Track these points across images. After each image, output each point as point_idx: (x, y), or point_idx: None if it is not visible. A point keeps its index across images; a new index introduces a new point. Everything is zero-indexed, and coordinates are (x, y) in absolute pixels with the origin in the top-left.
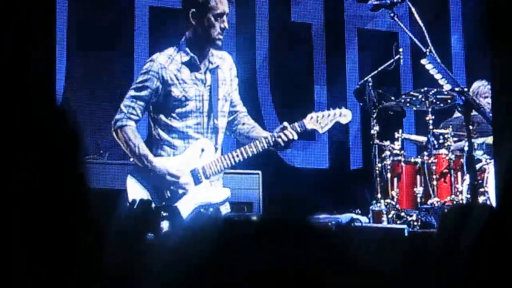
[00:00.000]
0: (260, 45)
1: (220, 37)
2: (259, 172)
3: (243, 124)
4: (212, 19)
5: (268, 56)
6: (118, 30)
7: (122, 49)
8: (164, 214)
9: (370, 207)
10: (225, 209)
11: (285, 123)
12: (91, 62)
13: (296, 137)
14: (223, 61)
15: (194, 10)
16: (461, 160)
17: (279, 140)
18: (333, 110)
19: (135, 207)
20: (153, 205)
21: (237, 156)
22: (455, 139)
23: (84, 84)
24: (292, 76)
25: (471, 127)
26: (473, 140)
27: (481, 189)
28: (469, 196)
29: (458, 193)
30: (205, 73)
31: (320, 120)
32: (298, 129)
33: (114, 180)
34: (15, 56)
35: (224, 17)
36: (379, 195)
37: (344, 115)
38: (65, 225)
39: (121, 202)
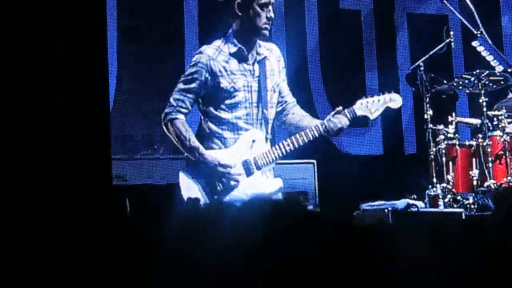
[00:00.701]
0: (310, 33)
1: (267, 26)
2: (314, 161)
3: (293, 113)
4: (258, 8)
5: (319, 44)
6: (168, 24)
7: (173, 43)
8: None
9: (426, 192)
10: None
11: (339, 108)
12: (142, 57)
13: (348, 122)
14: (271, 52)
15: (239, 0)
16: None
17: (331, 125)
18: (382, 96)
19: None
20: (201, 202)
21: (288, 145)
22: (509, 120)
23: (136, 79)
24: (343, 63)
25: None
26: None
27: None
28: None
29: None
30: (253, 64)
31: (370, 106)
32: (349, 116)
33: (169, 174)
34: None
35: (270, 7)
36: (434, 180)
37: (394, 100)
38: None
39: (174, 197)
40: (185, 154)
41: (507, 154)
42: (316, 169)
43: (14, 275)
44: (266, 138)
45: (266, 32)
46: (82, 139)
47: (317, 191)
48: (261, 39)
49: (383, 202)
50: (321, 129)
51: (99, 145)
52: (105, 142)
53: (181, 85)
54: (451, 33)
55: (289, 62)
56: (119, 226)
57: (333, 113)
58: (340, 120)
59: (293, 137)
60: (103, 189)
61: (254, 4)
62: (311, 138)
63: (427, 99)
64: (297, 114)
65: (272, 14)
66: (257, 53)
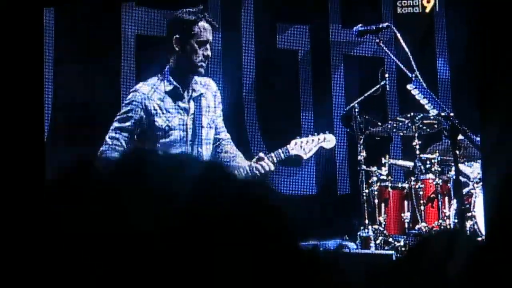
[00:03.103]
0: (247, 71)
1: (203, 64)
2: None
3: (225, 152)
4: (196, 46)
5: (255, 83)
6: (105, 59)
7: (109, 78)
8: None
9: (358, 233)
10: None
11: (261, 154)
12: (79, 92)
13: (272, 168)
14: (207, 88)
15: (177, 36)
16: (448, 185)
17: (256, 172)
18: (317, 136)
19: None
20: None
21: None
22: (443, 164)
23: (71, 111)
24: (279, 102)
25: (457, 151)
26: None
27: (469, 214)
28: (456, 221)
29: (445, 217)
30: (188, 101)
31: (304, 146)
32: (282, 156)
33: None
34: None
35: (208, 45)
36: (366, 221)
37: (328, 140)
38: None
39: None
40: None
41: (439, 197)
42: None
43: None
44: None
45: (202, 70)
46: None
47: None
48: (197, 75)
49: (315, 242)
50: (248, 171)
51: (35, 178)
52: (40, 176)
53: (116, 124)
54: (386, 75)
55: (224, 99)
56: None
57: (255, 158)
58: (266, 164)
59: None
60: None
61: (192, 41)
62: None
63: (361, 141)
64: (229, 153)
65: (209, 53)
66: (193, 90)
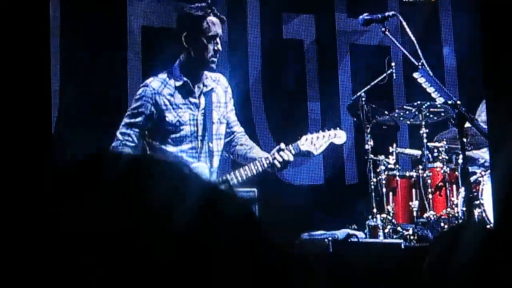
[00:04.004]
0: (253, 63)
1: (214, 59)
2: (255, 189)
3: (241, 145)
4: (205, 41)
5: (261, 74)
6: (110, 52)
7: (116, 72)
8: None
9: (366, 222)
10: None
11: (282, 145)
12: (84, 86)
13: (292, 159)
14: (218, 83)
15: (186, 33)
16: (456, 173)
17: (275, 162)
18: (327, 132)
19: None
20: None
21: (231, 179)
22: (450, 152)
23: (77, 110)
24: (286, 93)
25: (465, 139)
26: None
27: (477, 202)
28: (464, 209)
29: (453, 206)
30: (199, 97)
31: (314, 142)
32: (293, 151)
33: None
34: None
35: (218, 39)
36: (375, 210)
37: (338, 136)
38: None
39: None
40: None
41: (447, 186)
42: (257, 197)
43: None
44: (211, 172)
45: (213, 65)
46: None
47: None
48: (208, 70)
49: (323, 232)
50: (265, 164)
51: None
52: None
53: (126, 119)
54: (393, 64)
55: (232, 92)
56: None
57: (276, 149)
58: (286, 154)
59: (237, 171)
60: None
61: (202, 37)
62: (255, 173)
63: (368, 130)
64: (245, 145)
65: (219, 47)
66: (204, 85)
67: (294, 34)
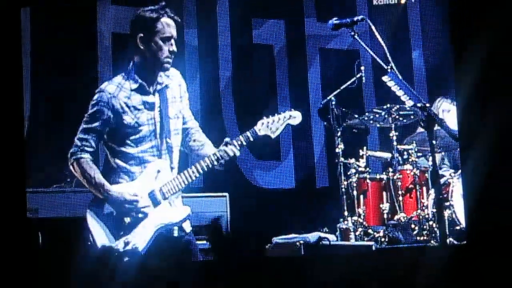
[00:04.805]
0: (224, 67)
1: (169, 60)
2: (227, 194)
3: (194, 140)
4: (160, 42)
5: (232, 78)
6: (82, 58)
7: (87, 78)
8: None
9: (338, 225)
10: (187, 227)
11: (227, 139)
12: (57, 91)
13: (238, 153)
14: (171, 79)
15: (141, 34)
16: (426, 174)
17: (221, 161)
18: (282, 114)
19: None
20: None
21: (193, 172)
22: (419, 154)
23: (50, 112)
24: (256, 97)
25: (434, 142)
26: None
27: (447, 203)
28: (434, 210)
29: (424, 207)
30: (154, 94)
31: (270, 126)
32: (251, 138)
33: (83, 207)
34: None
35: (172, 41)
36: (346, 213)
37: (294, 117)
38: None
39: (81, 237)
40: (92, 190)
41: (417, 188)
42: (228, 203)
43: None
44: (171, 168)
45: (168, 66)
46: None
47: (229, 224)
48: (163, 70)
49: (295, 235)
50: (214, 161)
51: (14, 177)
52: (20, 174)
53: (84, 125)
54: (362, 68)
55: (202, 93)
56: (31, 259)
57: (223, 144)
58: (229, 152)
59: (197, 164)
60: (17, 222)
61: (157, 38)
62: (205, 169)
63: (339, 133)
64: (198, 141)
65: (174, 48)
66: (157, 83)
67: (264, 39)
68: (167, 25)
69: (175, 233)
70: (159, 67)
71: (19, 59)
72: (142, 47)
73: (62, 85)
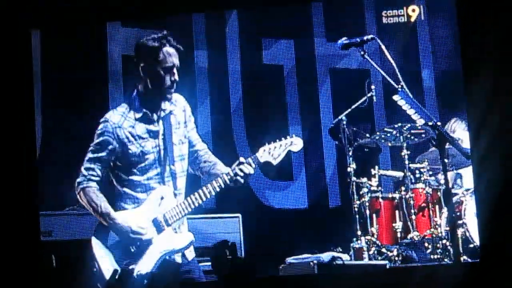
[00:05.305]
0: (234, 89)
1: (171, 90)
2: (239, 215)
3: (205, 162)
4: (162, 72)
5: (242, 100)
6: (92, 82)
7: (97, 99)
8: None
9: (351, 245)
10: (190, 253)
11: (241, 158)
12: (67, 117)
13: (252, 172)
14: (175, 105)
15: (143, 64)
16: (438, 193)
17: (237, 176)
18: (284, 140)
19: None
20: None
21: (196, 199)
22: (431, 173)
23: (63, 133)
24: (267, 118)
25: (446, 160)
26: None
27: (460, 221)
28: (448, 229)
29: (437, 226)
30: (157, 122)
31: (272, 152)
32: (252, 164)
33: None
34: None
35: (174, 70)
36: (359, 232)
37: (295, 144)
38: None
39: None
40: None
41: (430, 206)
42: (241, 223)
43: None
44: (175, 194)
45: (170, 96)
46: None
47: (242, 245)
48: (165, 100)
49: (308, 255)
50: (227, 180)
51: (28, 200)
52: (34, 197)
53: (90, 154)
54: (373, 87)
55: (212, 114)
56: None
57: (236, 163)
58: (244, 170)
59: (200, 190)
60: (31, 245)
61: (158, 68)
62: (218, 190)
63: (350, 153)
64: (208, 162)
65: (176, 77)
66: (161, 110)
67: (274, 59)
68: (169, 54)
69: (179, 260)
70: (161, 96)
71: (30, 82)
72: (144, 76)
73: (73, 107)
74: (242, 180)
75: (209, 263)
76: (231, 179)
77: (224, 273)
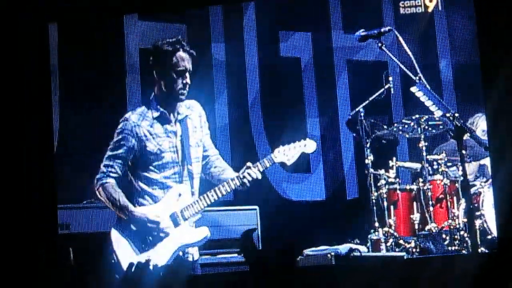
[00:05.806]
0: (251, 82)
1: (183, 92)
2: (256, 207)
3: (215, 167)
4: (174, 76)
5: (260, 92)
6: (109, 76)
7: (115, 96)
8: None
9: (368, 236)
10: (195, 254)
11: (249, 163)
12: (84, 110)
13: (260, 176)
14: (192, 110)
15: (157, 67)
16: (456, 184)
17: (245, 180)
18: (298, 142)
19: (132, 270)
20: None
21: (212, 196)
22: (449, 164)
23: (78, 130)
24: (284, 110)
25: (464, 151)
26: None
27: (477, 213)
28: (465, 220)
29: (454, 217)
30: (175, 123)
31: (287, 153)
32: (267, 164)
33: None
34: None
35: (186, 74)
36: (376, 224)
37: (308, 146)
38: None
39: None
40: (116, 212)
41: (448, 198)
42: (258, 215)
43: None
44: (192, 192)
45: (183, 97)
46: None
47: (259, 237)
48: (178, 102)
49: (326, 247)
50: (232, 185)
51: (45, 193)
52: (51, 191)
53: (109, 152)
54: (390, 79)
55: (230, 108)
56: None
57: (244, 168)
58: (253, 173)
59: (216, 188)
60: (48, 238)
61: (171, 72)
62: (224, 193)
63: (368, 144)
64: (218, 167)
65: (188, 81)
66: (178, 113)
67: (291, 51)
68: (182, 59)
69: (196, 256)
70: (174, 97)
71: (48, 75)
72: (158, 79)
73: (90, 100)
74: (248, 184)
75: (227, 255)
76: (238, 184)
77: (251, 261)
